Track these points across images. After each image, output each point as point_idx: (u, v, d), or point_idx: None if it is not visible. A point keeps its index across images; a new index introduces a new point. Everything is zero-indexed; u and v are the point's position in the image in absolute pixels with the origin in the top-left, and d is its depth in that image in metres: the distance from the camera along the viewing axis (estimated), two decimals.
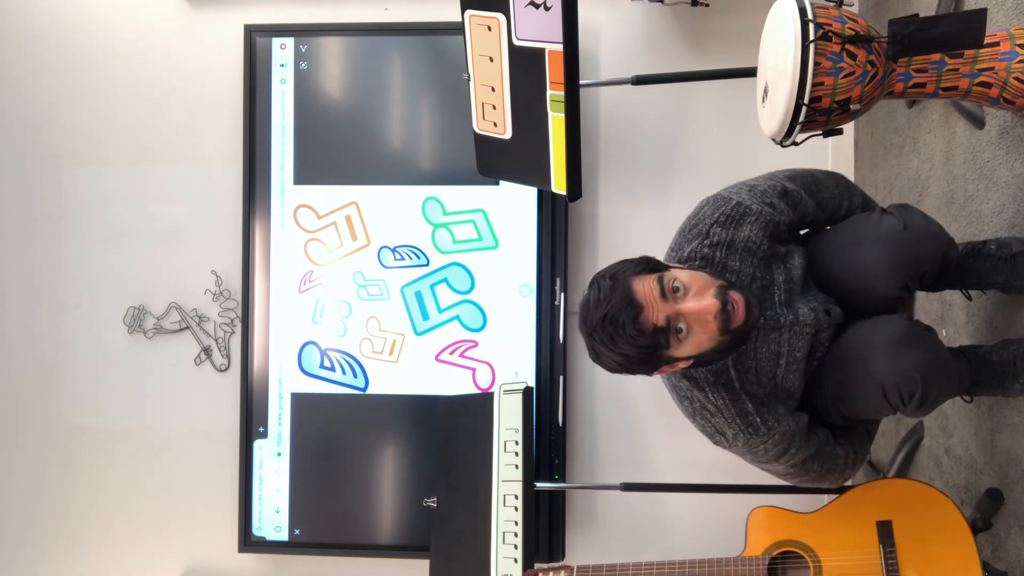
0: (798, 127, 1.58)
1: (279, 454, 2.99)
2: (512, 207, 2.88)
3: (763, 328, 1.41)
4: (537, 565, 2.21)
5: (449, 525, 2.52)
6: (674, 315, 1.27)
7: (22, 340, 3.18)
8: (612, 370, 1.35)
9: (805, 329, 1.43)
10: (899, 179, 2.41)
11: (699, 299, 1.26)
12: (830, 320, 1.47)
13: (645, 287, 1.27)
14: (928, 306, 2.22)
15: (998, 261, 1.63)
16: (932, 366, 1.37)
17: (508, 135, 2.44)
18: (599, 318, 1.28)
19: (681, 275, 1.30)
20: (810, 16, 1.50)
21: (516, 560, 2.32)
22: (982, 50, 1.53)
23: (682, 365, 1.36)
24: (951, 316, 2.06)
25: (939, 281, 1.67)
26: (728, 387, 1.42)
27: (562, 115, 2.23)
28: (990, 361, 1.64)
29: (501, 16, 2.26)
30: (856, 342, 1.43)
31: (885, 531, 1.76)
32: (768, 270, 1.45)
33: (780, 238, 1.50)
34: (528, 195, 2.86)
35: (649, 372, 1.34)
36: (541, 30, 2.18)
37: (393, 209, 2.96)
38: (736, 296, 1.27)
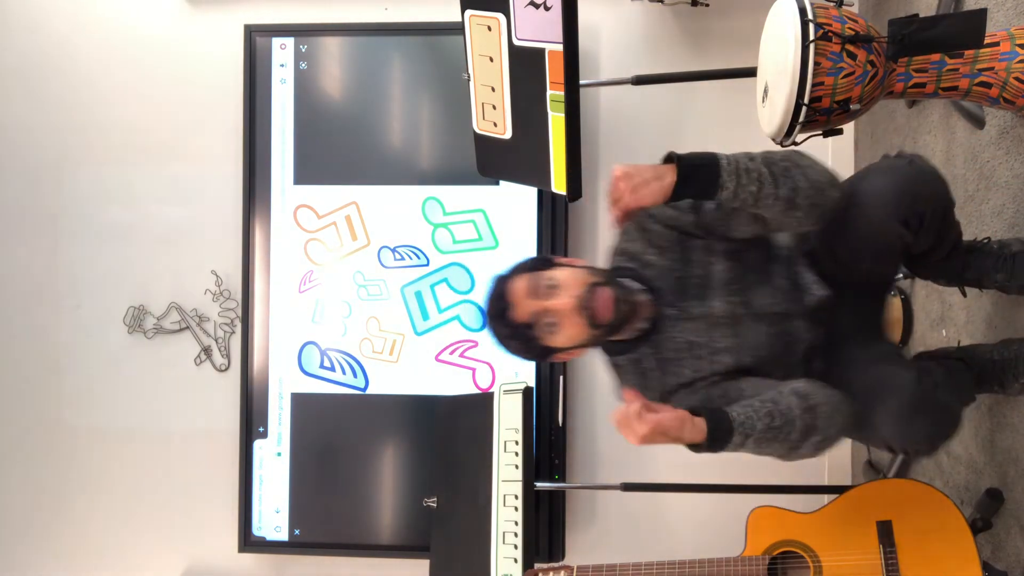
0: (798, 127, 1.58)
1: (279, 454, 2.99)
2: (512, 207, 2.88)
3: (678, 319, 1.45)
4: (537, 565, 2.21)
5: (449, 525, 2.52)
6: (540, 311, 1.37)
7: (22, 340, 3.18)
8: (521, 358, 1.47)
9: (721, 320, 1.45)
10: None
11: (559, 297, 1.36)
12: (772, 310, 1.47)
13: (518, 285, 1.39)
14: (928, 306, 2.22)
15: (998, 259, 1.63)
16: (940, 432, 1.42)
17: (508, 135, 2.44)
18: (484, 314, 1.44)
19: (559, 274, 1.39)
20: (810, 16, 1.50)
21: (516, 560, 2.32)
22: (982, 50, 1.54)
23: (574, 354, 1.45)
24: (951, 316, 2.06)
25: (937, 266, 1.67)
26: (644, 374, 1.48)
27: (562, 115, 2.23)
28: (991, 360, 1.65)
29: (501, 16, 2.26)
30: (859, 392, 1.42)
31: (885, 531, 1.76)
32: (687, 263, 1.48)
33: (698, 228, 1.48)
34: (528, 195, 2.85)
35: (541, 360, 1.45)
36: (541, 30, 2.18)
37: (393, 209, 2.96)
38: (602, 293, 1.35)
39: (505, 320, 1.39)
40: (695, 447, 1.37)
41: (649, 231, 1.50)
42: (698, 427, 1.34)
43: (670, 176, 1.30)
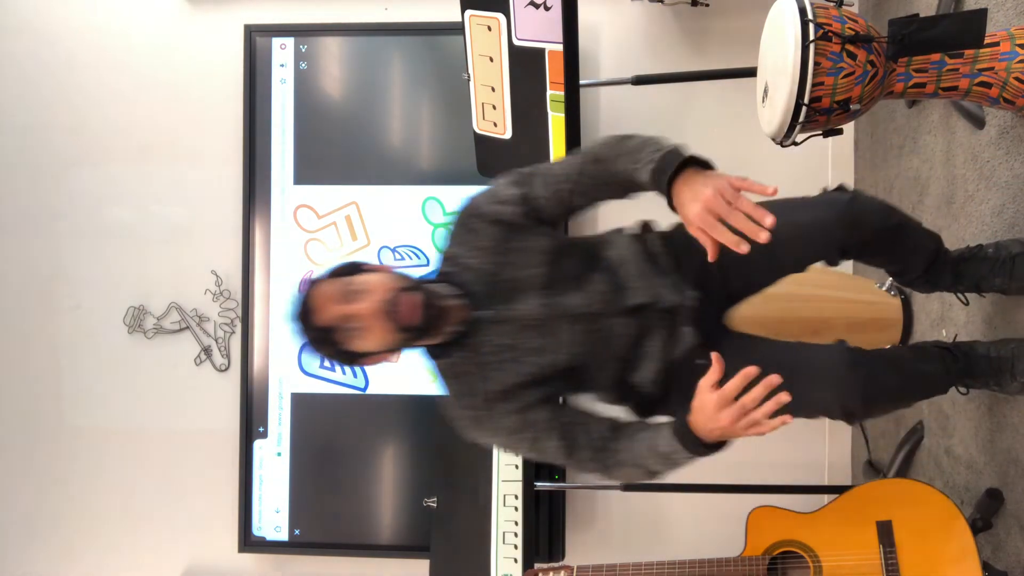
0: (798, 127, 1.58)
1: (279, 454, 2.99)
2: None
3: (490, 322, 1.46)
4: (537, 565, 2.21)
5: (449, 525, 2.52)
6: (345, 316, 1.37)
7: (22, 340, 3.18)
8: (333, 362, 1.48)
9: (532, 322, 1.47)
10: (899, 179, 2.41)
11: (364, 302, 1.37)
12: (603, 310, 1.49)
13: (325, 290, 1.40)
14: (928, 306, 2.22)
15: (995, 264, 1.64)
16: (873, 395, 1.47)
17: (508, 135, 2.45)
18: (291, 317, 1.43)
19: (368, 279, 1.41)
20: (810, 16, 1.50)
21: (516, 560, 2.32)
22: (982, 50, 1.54)
23: (386, 358, 1.46)
24: (951, 316, 2.06)
25: (922, 281, 1.72)
26: (464, 379, 1.49)
27: (562, 115, 2.24)
28: (987, 357, 1.65)
29: (501, 16, 2.26)
30: (784, 364, 1.39)
31: (885, 531, 1.76)
32: (501, 266, 1.49)
33: (529, 225, 1.51)
34: None
35: (353, 364, 1.47)
36: (541, 30, 2.18)
37: (393, 209, 2.96)
38: (407, 298, 1.38)
39: (310, 325, 1.40)
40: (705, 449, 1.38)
41: (474, 231, 1.51)
42: None
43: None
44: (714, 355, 1.32)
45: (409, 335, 1.40)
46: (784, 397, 1.26)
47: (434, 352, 1.52)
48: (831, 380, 1.46)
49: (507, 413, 1.47)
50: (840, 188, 1.57)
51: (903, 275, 1.72)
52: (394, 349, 1.44)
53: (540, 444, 1.49)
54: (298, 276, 2.99)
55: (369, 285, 1.39)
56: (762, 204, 1.39)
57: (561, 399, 1.57)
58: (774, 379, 1.28)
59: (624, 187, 1.49)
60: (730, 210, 1.26)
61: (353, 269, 1.46)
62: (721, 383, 1.31)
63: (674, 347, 1.52)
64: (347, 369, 2.96)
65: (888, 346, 2.36)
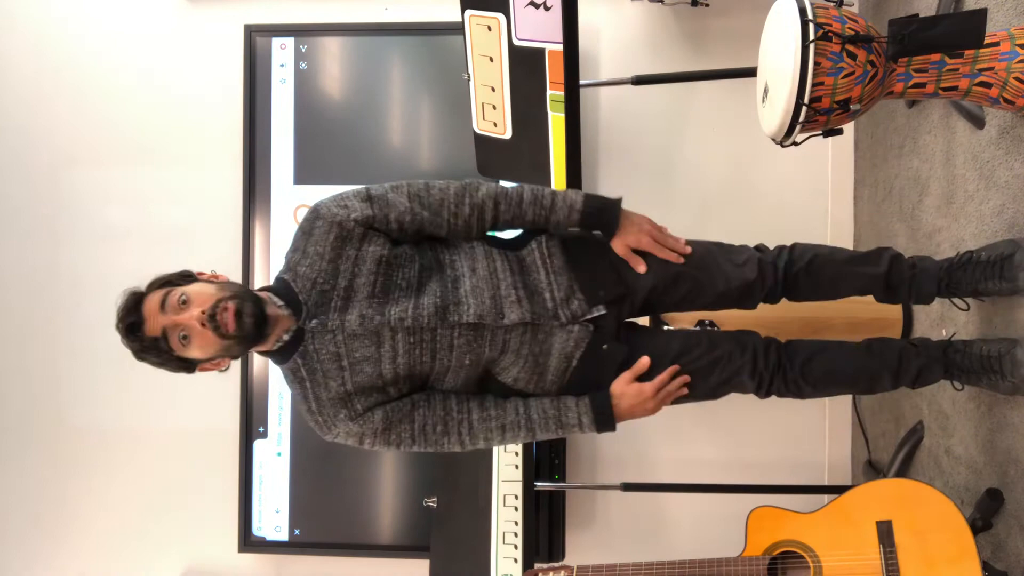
0: (798, 127, 1.58)
1: (279, 454, 2.99)
2: None
3: (318, 331, 1.50)
4: (537, 565, 2.21)
5: (449, 525, 2.52)
6: (171, 325, 1.44)
7: (22, 340, 3.18)
8: (164, 370, 1.55)
9: (358, 332, 1.50)
10: (899, 179, 2.41)
11: (187, 312, 1.44)
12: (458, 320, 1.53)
13: (151, 302, 1.46)
14: (928, 306, 2.22)
15: (987, 267, 1.65)
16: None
17: (508, 135, 2.45)
18: (116, 327, 1.49)
19: (190, 289, 1.47)
20: (810, 16, 1.50)
21: (516, 560, 2.32)
22: (982, 50, 1.54)
23: (218, 364, 1.53)
24: (951, 316, 2.06)
25: (917, 298, 1.78)
26: (301, 384, 1.53)
27: (562, 115, 2.24)
28: (979, 356, 1.69)
29: (501, 16, 2.26)
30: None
31: (885, 531, 1.76)
32: (334, 275, 1.52)
33: (367, 234, 1.53)
34: None
35: (185, 372, 1.52)
36: (541, 30, 2.18)
37: None
38: (225, 307, 1.43)
39: (137, 335, 1.46)
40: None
41: (312, 236, 1.54)
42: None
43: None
44: (644, 359, 1.61)
45: (232, 342, 1.46)
46: (685, 379, 1.63)
47: (275, 358, 1.56)
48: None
49: (346, 419, 1.53)
50: (759, 248, 1.75)
51: (889, 299, 1.81)
52: (222, 355, 1.50)
53: (386, 439, 1.55)
54: None
55: (193, 295, 1.46)
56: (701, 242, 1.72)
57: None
58: (684, 378, 1.64)
59: (524, 227, 1.65)
60: (662, 238, 1.64)
61: (183, 279, 1.53)
62: (626, 367, 1.61)
63: (546, 355, 1.60)
64: None
65: None
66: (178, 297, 1.46)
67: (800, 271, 1.70)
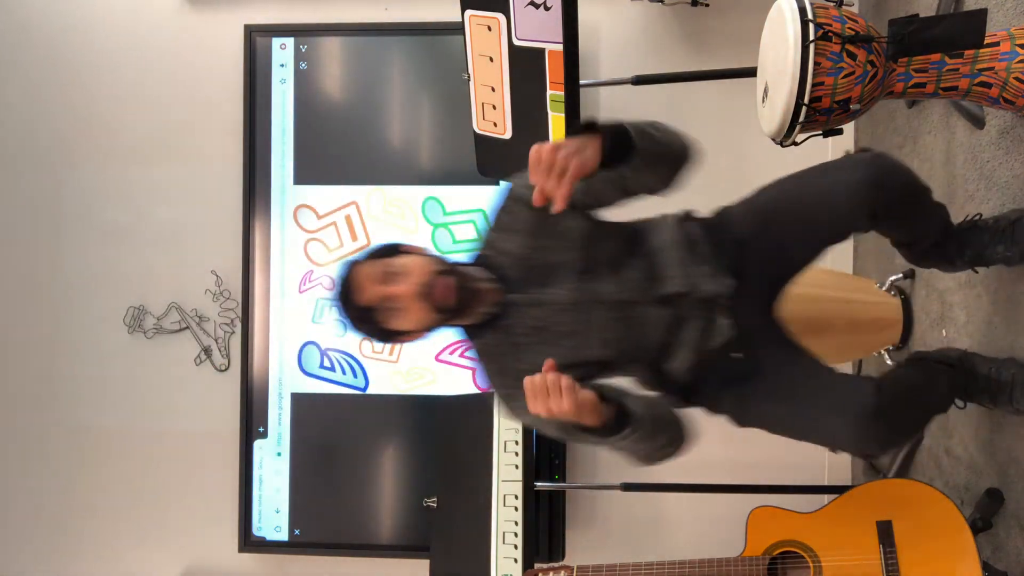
0: (798, 127, 1.58)
1: (279, 454, 2.99)
2: None
3: (523, 304, 1.50)
4: (537, 565, 2.21)
5: (449, 525, 2.52)
6: (384, 296, 1.43)
7: (22, 340, 3.18)
8: (371, 339, 1.55)
9: (566, 307, 1.50)
10: None
11: (402, 283, 1.43)
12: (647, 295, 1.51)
13: (365, 271, 1.46)
14: (928, 306, 2.22)
15: (995, 232, 1.63)
16: (895, 440, 1.52)
17: (508, 135, 2.45)
18: (334, 296, 1.49)
19: (405, 260, 1.46)
20: (810, 16, 1.50)
21: (516, 560, 2.32)
22: (982, 50, 1.54)
23: (422, 336, 1.51)
24: (951, 316, 2.06)
25: (931, 253, 1.70)
26: (498, 359, 1.53)
27: (562, 115, 2.24)
28: (987, 377, 1.65)
29: (501, 16, 2.26)
30: (806, 395, 1.51)
31: (885, 531, 1.76)
32: (539, 250, 1.52)
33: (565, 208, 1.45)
34: None
35: (390, 342, 1.54)
36: (541, 30, 2.18)
37: (393, 209, 2.96)
38: (442, 281, 1.43)
39: (352, 303, 1.46)
40: (588, 430, 1.41)
41: (511, 213, 1.54)
42: (601, 413, 1.39)
43: (592, 144, 1.34)
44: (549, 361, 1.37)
45: (444, 316, 1.45)
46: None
47: (470, 332, 1.55)
48: (854, 425, 1.45)
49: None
50: (864, 150, 1.57)
51: (915, 245, 1.70)
52: (430, 328, 1.49)
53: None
54: (298, 277, 2.99)
55: (407, 267, 1.45)
56: (795, 172, 1.53)
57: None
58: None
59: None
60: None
61: (392, 251, 1.50)
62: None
63: (710, 338, 1.53)
64: (347, 369, 2.96)
65: (890, 347, 2.36)
66: (391, 268, 1.45)
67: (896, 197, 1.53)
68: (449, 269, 1.47)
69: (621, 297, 1.50)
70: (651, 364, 1.57)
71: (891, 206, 1.49)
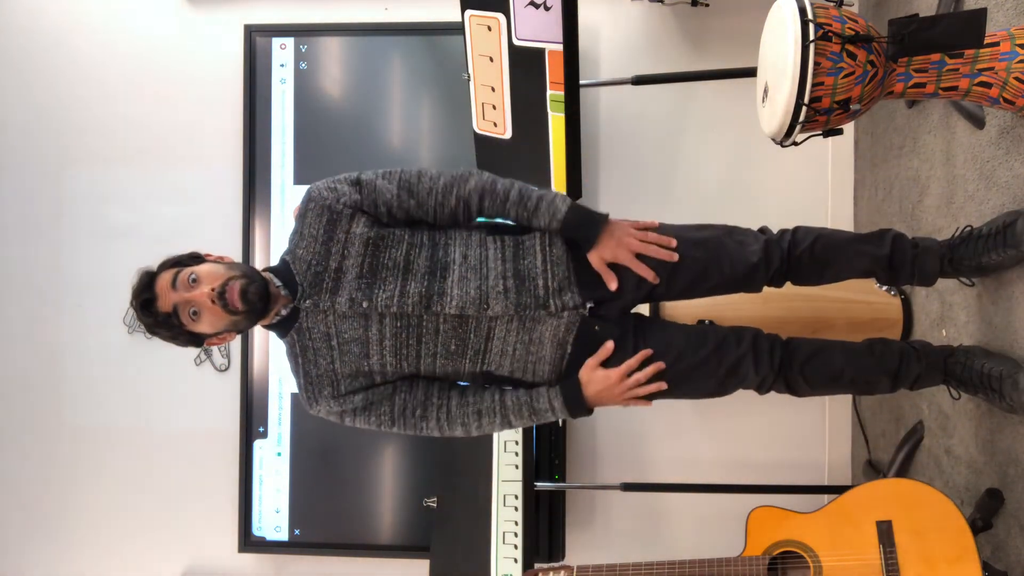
0: (798, 127, 1.58)
1: (279, 454, 2.99)
2: None
3: (311, 311, 1.58)
4: (537, 565, 2.21)
5: (449, 525, 2.52)
6: (182, 302, 1.53)
7: (23, 340, 3.18)
8: (174, 344, 1.63)
9: (347, 314, 1.56)
10: (899, 179, 2.41)
11: (193, 290, 1.52)
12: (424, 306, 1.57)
13: (164, 280, 1.55)
14: (928, 306, 2.22)
15: (989, 238, 1.66)
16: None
17: (508, 135, 2.45)
18: (131, 303, 1.59)
19: (200, 268, 1.55)
20: (810, 16, 1.50)
21: (516, 560, 2.32)
22: (982, 50, 1.54)
23: (225, 339, 1.61)
24: (951, 316, 2.06)
25: (920, 277, 1.76)
26: (295, 358, 1.62)
27: (562, 115, 2.24)
28: (980, 372, 1.68)
29: (501, 16, 2.26)
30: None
31: (885, 531, 1.76)
32: (326, 256, 1.58)
33: (355, 215, 1.60)
34: None
35: (194, 346, 1.61)
36: (541, 30, 2.18)
37: None
38: (232, 286, 1.52)
39: (151, 311, 1.55)
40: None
41: (305, 218, 1.61)
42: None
43: None
44: (609, 343, 1.60)
45: (239, 318, 1.54)
46: (663, 385, 1.61)
47: (276, 331, 1.65)
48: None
49: (329, 396, 1.59)
50: (762, 230, 1.74)
51: (892, 280, 1.82)
52: (230, 330, 1.59)
53: (366, 418, 1.61)
54: None
55: (200, 274, 1.54)
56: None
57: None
58: (659, 364, 1.61)
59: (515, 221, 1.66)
60: (645, 245, 1.62)
61: (192, 259, 1.61)
62: (631, 354, 1.60)
63: (538, 344, 1.60)
64: None
65: None
66: (188, 275, 1.54)
67: (804, 252, 1.70)
68: (241, 275, 1.54)
69: (403, 310, 1.56)
70: (471, 370, 1.63)
71: (782, 279, 1.73)
